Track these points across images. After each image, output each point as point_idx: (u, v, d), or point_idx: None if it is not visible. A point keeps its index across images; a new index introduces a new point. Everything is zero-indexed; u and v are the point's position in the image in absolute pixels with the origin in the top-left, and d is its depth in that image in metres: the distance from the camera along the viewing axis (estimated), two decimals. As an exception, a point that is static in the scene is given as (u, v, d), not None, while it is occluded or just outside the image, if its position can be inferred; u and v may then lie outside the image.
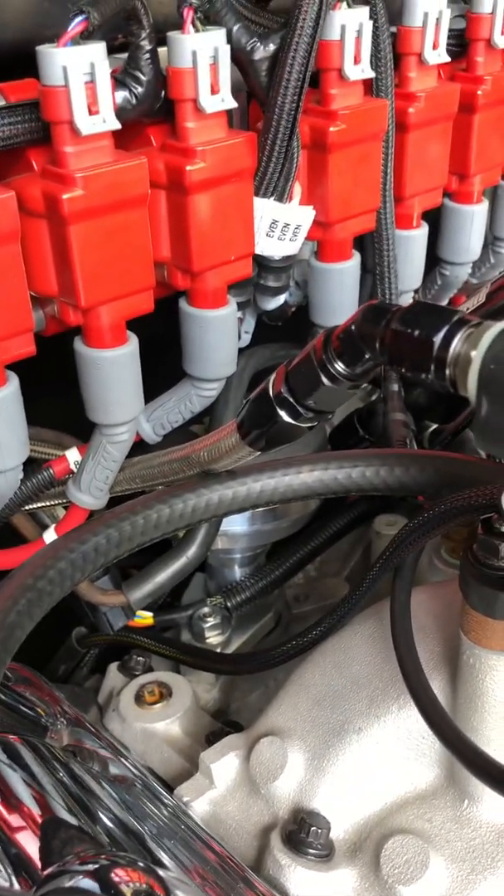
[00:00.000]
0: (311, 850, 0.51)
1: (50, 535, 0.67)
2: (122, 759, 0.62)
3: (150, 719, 0.67)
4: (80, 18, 0.49)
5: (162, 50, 0.58)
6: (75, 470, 0.68)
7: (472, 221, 0.82)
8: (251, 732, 0.59)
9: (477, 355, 0.35)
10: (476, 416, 0.35)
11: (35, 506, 0.71)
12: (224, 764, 0.57)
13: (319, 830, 0.52)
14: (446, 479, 0.52)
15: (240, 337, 0.74)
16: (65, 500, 0.70)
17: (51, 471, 0.67)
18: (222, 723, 0.69)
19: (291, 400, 0.45)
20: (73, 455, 0.68)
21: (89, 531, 0.49)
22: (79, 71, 0.49)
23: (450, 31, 0.72)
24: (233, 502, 0.54)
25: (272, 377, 0.47)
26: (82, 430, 0.66)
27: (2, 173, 0.55)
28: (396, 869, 0.50)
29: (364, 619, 0.59)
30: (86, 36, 0.50)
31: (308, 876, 0.51)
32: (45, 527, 0.73)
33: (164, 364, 0.67)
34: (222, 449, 0.52)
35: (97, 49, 0.50)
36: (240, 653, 0.78)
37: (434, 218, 0.82)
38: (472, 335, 0.36)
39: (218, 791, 0.57)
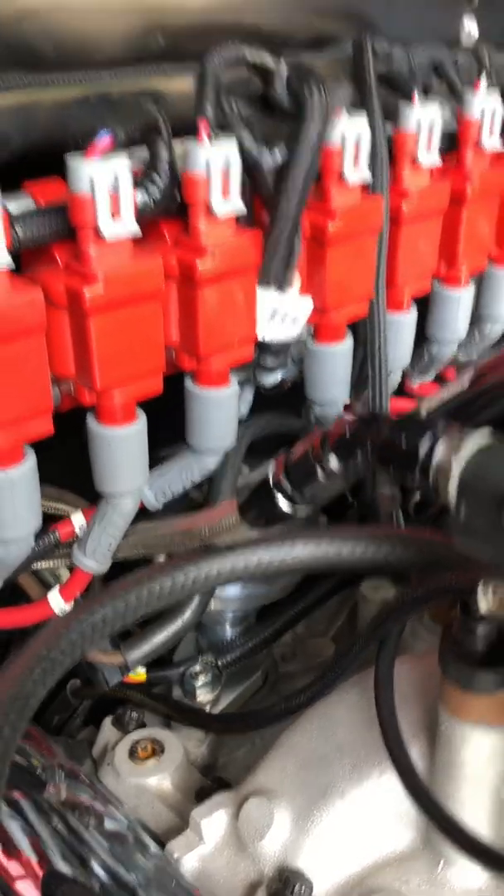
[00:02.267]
0: (292, 908, 0.55)
1: (54, 597, 0.71)
2: (116, 813, 0.66)
3: (143, 774, 0.71)
4: (107, 135, 0.54)
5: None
6: (79, 534, 0.72)
7: (458, 304, 0.87)
8: (240, 791, 0.63)
9: (457, 465, 0.39)
10: (455, 521, 0.39)
11: (41, 566, 0.75)
12: (213, 821, 0.61)
13: (303, 889, 0.55)
14: (429, 558, 0.56)
15: (239, 409, 0.79)
16: (68, 561, 0.74)
17: (56, 534, 0.71)
18: (211, 779, 0.73)
19: (290, 490, 0.49)
20: (77, 519, 0.72)
21: (98, 603, 0.53)
22: (104, 182, 0.54)
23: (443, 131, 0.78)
24: (231, 574, 0.58)
25: (273, 466, 0.51)
26: (82, 485, 0.70)
27: (28, 263, 0.59)
28: (375, 927, 0.53)
29: (349, 687, 0.63)
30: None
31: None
32: (47, 586, 0.77)
33: (164, 429, 0.71)
34: (223, 526, 0.56)
35: (121, 163, 0.55)
36: (230, 713, 0.81)
37: (424, 297, 0.88)
38: (452, 445, 0.40)
39: (207, 847, 0.61)
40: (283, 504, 0.49)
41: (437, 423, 0.41)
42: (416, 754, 0.55)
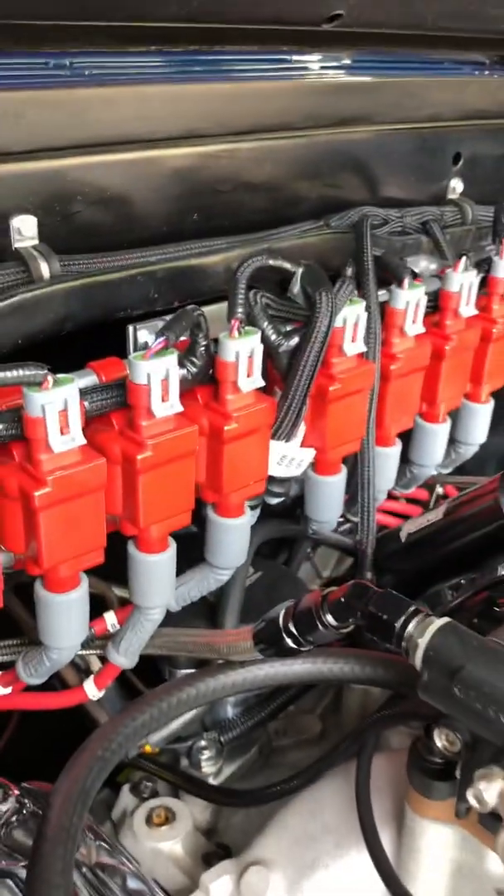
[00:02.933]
0: None
1: (90, 686, 0.85)
2: (136, 873, 0.79)
3: (158, 839, 0.84)
4: (161, 339, 0.69)
5: (207, 310, 0.79)
6: (111, 630, 0.86)
7: (437, 437, 1.03)
8: (242, 859, 0.76)
9: (423, 642, 0.54)
10: (420, 681, 0.54)
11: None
12: (220, 884, 0.74)
13: (292, 945, 0.69)
14: (404, 681, 0.70)
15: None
16: (99, 652, 0.88)
17: (92, 631, 0.85)
18: (215, 844, 0.86)
19: (295, 633, 0.63)
20: (110, 618, 0.87)
21: (138, 711, 0.67)
22: (158, 376, 0.69)
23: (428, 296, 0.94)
24: (244, 684, 0.72)
25: (283, 611, 0.66)
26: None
27: (88, 426, 0.74)
28: None
29: (334, 776, 0.77)
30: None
31: None
32: (79, 669, 0.91)
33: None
34: (239, 649, 0.70)
35: (171, 360, 0.70)
36: (233, 788, 0.95)
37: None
38: (420, 625, 0.55)
39: (213, 908, 0.74)
40: (290, 643, 0.63)
41: (410, 606, 0.56)
42: (388, 838, 0.68)
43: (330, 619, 0.60)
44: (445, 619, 0.55)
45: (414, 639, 0.54)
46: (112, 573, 0.81)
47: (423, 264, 1.06)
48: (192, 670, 0.83)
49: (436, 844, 0.65)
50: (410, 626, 0.55)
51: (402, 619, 0.55)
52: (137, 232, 0.87)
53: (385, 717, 0.66)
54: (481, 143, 1.20)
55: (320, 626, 0.61)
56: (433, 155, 1.15)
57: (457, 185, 1.18)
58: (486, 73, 1.24)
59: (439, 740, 0.55)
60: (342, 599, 0.59)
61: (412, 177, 1.14)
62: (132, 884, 0.78)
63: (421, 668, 0.54)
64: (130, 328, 0.81)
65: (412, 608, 0.56)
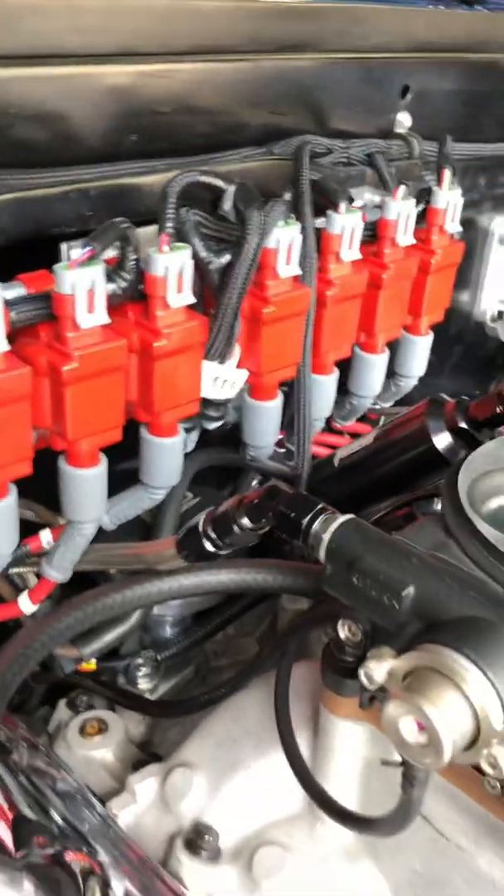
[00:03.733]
0: (203, 852, 0.71)
1: (24, 600, 0.86)
2: (68, 777, 0.81)
3: (90, 748, 0.87)
4: (87, 249, 0.70)
5: (142, 231, 0.79)
6: (46, 547, 0.87)
7: (374, 367, 1.04)
8: (167, 763, 0.79)
9: (326, 536, 0.56)
10: (324, 575, 0.56)
11: (11, 571, 0.90)
12: (145, 786, 0.77)
13: (210, 839, 0.72)
14: (316, 587, 0.72)
15: (186, 446, 0.94)
16: (35, 569, 0.89)
17: (27, 548, 0.86)
18: (146, 754, 0.89)
19: (214, 537, 0.65)
20: (45, 536, 0.88)
21: (63, 614, 0.68)
22: (83, 287, 0.69)
23: (366, 224, 0.95)
24: (168, 594, 0.74)
25: (203, 516, 0.67)
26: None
27: (16, 339, 0.74)
28: (262, 869, 0.70)
29: (257, 685, 0.79)
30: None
31: (199, 870, 0.71)
32: (16, 587, 0.93)
33: (120, 461, 0.86)
34: (164, 557, 0.72)
35: (97, 270, 0.70)
36: (164, 700, 0.97)
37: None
38: (325, 522, 0.57)
39: (139, 806, 0.77)
40: (209, 547, 0.65)
41: (317, 504, 0.58)
42: (304, 740, 0.71)
43: (245, 521, 0.62)
44: (349, 516, 0.57)
45: (319, 534, 0.56)
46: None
47: (367, 196, 1.06)
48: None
49: (348, 742, 0.68)
50: (316, 524, 0.57)
51: (309, 516, 0.57)
52: (74, 150, 0.87)
53: (302, 622, 0.69)
54: (431, 77, 1.20)
55: (236, 528, 0.62)
56: (380, 87, 1.15)
57: (404, 120, 1.18)
58: (439, 5, 1.23)
59: (342, 631, 0.57)
60: (256, 501, 0.61)
61: (358, 108, 1.13)
62: (63, 787, 0.80)
63: (325, 562, 0.56)
64: (63, 245, 0.81)
65: (319, 506, 0.58)
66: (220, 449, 1.03)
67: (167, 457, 0.85)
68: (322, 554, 0.56)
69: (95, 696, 0.96)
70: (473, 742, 0.47)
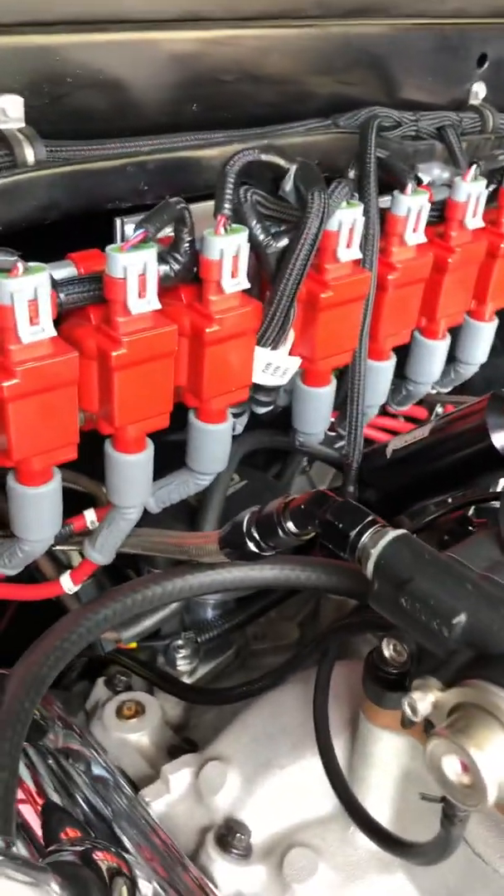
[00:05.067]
0: (234, 850, 0.70)
1: (66, 580, 0.86)
2: (101, 760, 0.81)
3: (126, 730, 0.86)
4: (140, 231, 0.67)
5: (199, 206, 0.76)
6: (90, 527, 0.86)
7: (435, 353, 1.00)
8: (203, 754, 0.78)
9: (374, 552, 0.53)
10: (371, 590, 0.53)
11: (55, 548, 0.89)
12: (179, 777, 0.76)
13: (242, 836, 0.71)
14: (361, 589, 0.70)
15: (234, 429, 0.92)
16: (79, 548, 0.88)
17: (71, 527, 0.86)
18: (182, 739, 0.88)
19: (257, 537, 0.63)
20: (89, 515, 0.87)
21: (101, 605, 0.67)
22: (135, 270, 0.67)
23: (433, 204, 0.90)
24: (210, 587, 0.72)
25: (248, 515, 0.65)
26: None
27: (67, 316, 0.72)
28: (293, 871, 0.69)
29: (296, 682, 0.78)
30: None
31: (230, 869, 0.70)
32: (60, 565, 0.92)
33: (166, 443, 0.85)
34: (206, 551, 0.70)
35: (150, 254, 0.67)
36: (203, 686, 0.97)
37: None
38: (375, 535, 0.54)
39: (172, 796, 0.76)
40: (252, 547, 0.63)
41: (367, 516, 0.55)
42: (339, 745, 0.70)
43: (290, 525, 0.60)
44: (400, 531, 0.54)
45: (367, 549, 0.54)
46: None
47: (436, 172, 1.01)
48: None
49: (386, 752, 0.66)
50: (365, 536, 0.54)
51: (358, 528, 0.54)
52: (132, 120, 0.84)
53: (346, 626, 0.67)
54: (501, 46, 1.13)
55: (280, 532, 0.60)
56: (456, 55, 1.08)
57: (479, 90, 1.12)
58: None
59: (387, 650, 0.55)
60: (302, 507, 0.59)
61: (431, 78, 1.07)
62: (96, 770, 0.80)
63: (372, 578, 0.53)
64: (118, 221, 0.79)
65: (368, 518, 0.55)
66: (269, 432, 1.01)
67: (215, 443, 0.83)
68: (370, 570, 0.53)
69: (134, 677, 0.96)
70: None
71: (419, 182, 0.87)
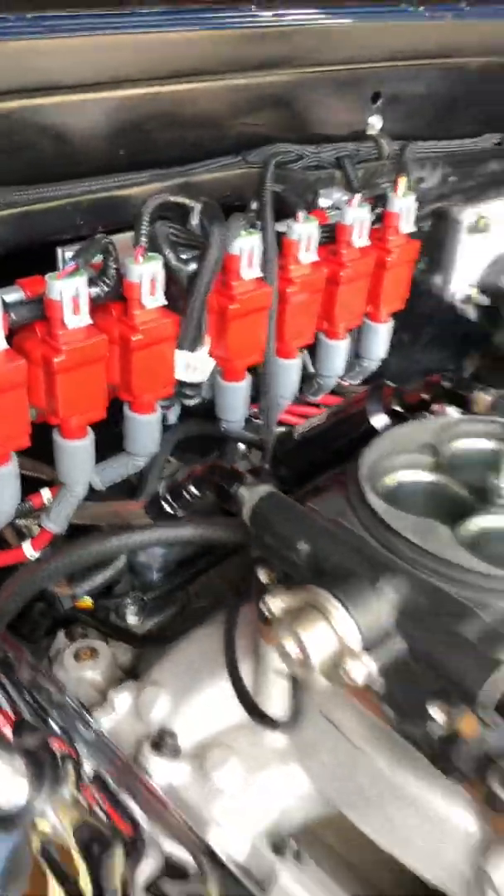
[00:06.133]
0: (165, 752, 0.89)
1: (27, 547, 1.03)
2: (63, 693, 0.99)
3: (83, 670, 1.04)
4: (72, 263, 0.85)
5: (125, 236, 0.94)
6: (47, 503, 1.04)
7: (336, 351, 1.19)
8: (142, 682, 0.96)
9: (249, 504, 0.72)
10: (250, 534, 0.72)
11: (18, 522, 1.07)
12: (122, 698, 0.95)
13: (172, 741, 0.89)
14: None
15: (167, 420, 1.10)
16: (38, 521, 1.06)
17: (30, 503, 1.03)
18: (131, 678, 1.06)
19: (171, 501, 0.81)
20: (45, 493, 1.05)
21: (54, 559, 0.85)
22: (69, 294, 0.85)
23: (327, 226, 1.09)
24: (141, 543, 0.91)
25: (162, 485, 0.83)
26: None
27: (17, 332, 0.90)
28: (211, 764, 0.87)
29: (213, 620, 0.96)
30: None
31: (162, 765, 0.88)
32: (22, 535, 1.10)
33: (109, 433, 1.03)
34: (135, 515, 0.89)
35: (81, 281, 0.85)
36: (145, 633, 1.15)
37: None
38: (250, 492, 0.73)
39: (117, 715, 0.94)
40: (168, 509, 0.81)
41: (245, 478, 0.73)
42: (248, 667, 0.88)
43: (192, 489, 0.78)
44: (269, 488, 0.72)
45: (244, 502, 0.72)
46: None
47: (336, 196, 1.19)
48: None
49: (276, 661, 0.84)
50: (244, 493, 0.72)
51: (237, 487, 0.72)
52: (72, 166, 1.02)
53: (242, 566, 0.85)
54: (400, 83, 1.31)
55: (186, 495, 0.78)
56: (351, 94, 1.27)
57: (375, 122, 1.30)
58: (407, 15, 1.34)
59: (263, 577, 0.73)
60: (199, 475, 0.77)
61: (331, 115, 1.26)
62: (57, 698, 0.98)
63: (249, 524, 0.71)
64: (59, 251, 0.97)
65: (246, 480, 0.73)
66: (199, 421, 1.19)
67: (146, 430, 1.01)
68: (247, 517, 0.71)
69: (90, 630, 1.14)
70: (337, 660, 0.62)
71: (310, 209, 1.05)
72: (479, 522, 0.73)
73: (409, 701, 0.63)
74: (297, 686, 0.70)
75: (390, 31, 1.32)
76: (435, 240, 1.46)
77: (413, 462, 0.80)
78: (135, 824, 0.74)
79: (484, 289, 1.51)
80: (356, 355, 1.26)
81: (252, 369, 1.10)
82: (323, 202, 1.19)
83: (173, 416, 1.15)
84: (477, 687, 0.57)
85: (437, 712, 0.61)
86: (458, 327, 1.60)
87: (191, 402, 1.11)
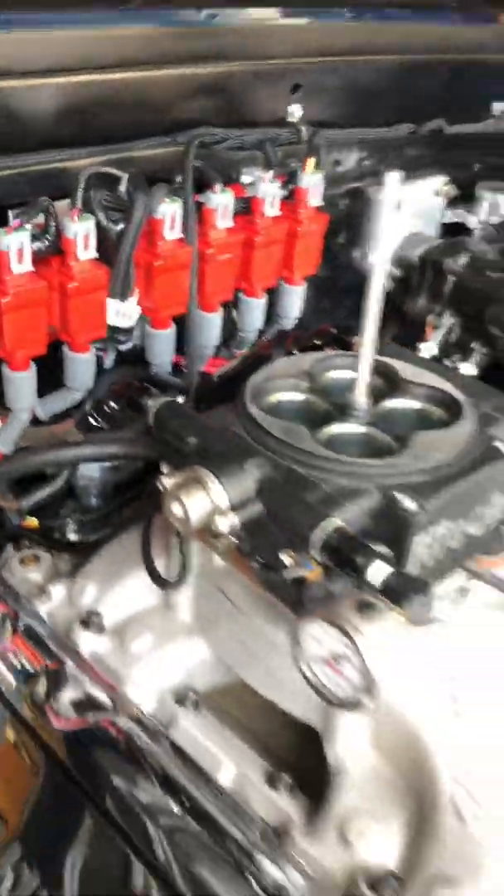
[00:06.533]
0: (92, 627, 1.07)
1: (-20, 466, 1.21)
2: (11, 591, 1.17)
3: (27, 573, 1.22)
4: (16, 220, 1.03)
5: (65, 202, 1.12)
6: (-2, 430, 1.22)
7: (254, 308, 1.37)
8: (74, 578, 1.15)
9: (152, 410, 0.90)
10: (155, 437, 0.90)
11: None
12: (57, 589, 1.13)
13: (97, 620, 1.07)
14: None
15: (104, 364, 1.29)
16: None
17: (-16, 430, 1.21)
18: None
19: (96, 416, 1.00)
20: (-4, 422, 1.23)
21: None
22: (15, 245, 1.03)
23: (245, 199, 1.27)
24: (75, 458, 1.09)
25: (88, 404, 1.01)
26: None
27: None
28: (129, 636, 1.06)
29: (135, 527, 1.14)
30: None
31: (89, 638, 1.06)
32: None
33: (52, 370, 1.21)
34: (70, 434, 1.07)
35: (25, 235, 1.03)
36: (80, 544, 1.32)
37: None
38: (154, 401, 0.91)
39: (53, 603, 1.12)
40: (94, 423, 0.99)
41: (153, 393, 0.91)
42: (163, 562, 1.06)
43: (112, 404, 0.96)
44: (167, 398, 0.91)
45: (149, 410, 0.90)
46: None
47: (256, 174, 1.38)
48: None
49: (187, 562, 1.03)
50: (148, 401, 0.91)
51: (145, 400, 0.91)
52: (23, 141, 1.19)
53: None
54: (320, 76, 1.50)
55: (106, 409, 0.96)
56: (274, 85, 1.45)
57: (296, 111, 1.48)
58: (330, 15, 1.53)
59: (164, 469, 0.91)
60: (117, 392, 0.95)
61: (256, 103, 1.44)
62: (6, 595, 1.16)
63: (153, 426, 0.90)
64: (10, 213, 1.14)
65: (152, 394, 0.91)
66: (132, 367, 1.37)
67: (82, 367, 1.19)
68: (151, 421, 0.90)
69: (36, 546, 1.31)
70: (210, 518, 0.81)
71: (227, 183, 1.24)
72: (334, 429, 0.91)
73: (267, 553, 0.81)
74: (181, 542, 0.89)
75: (312, 30, 1.51)
76: (353, 217, 1.65)
77: (291, 385, 0.99)
78: (61, 662, 0.93)
79: (397, 262, 1.70)
80: (275, 314, 1.45)
81: (179, 322, 1.29)
82: (245, 178, 1.37)
83: (109, 360, 1.33)
84: (308, 531, 0.76)
85: (286, 558, 0.79)
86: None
87: (123, 347, 1.29)
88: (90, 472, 1.34)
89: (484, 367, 1.63)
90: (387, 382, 1.00)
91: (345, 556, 0.75)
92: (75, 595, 1.12)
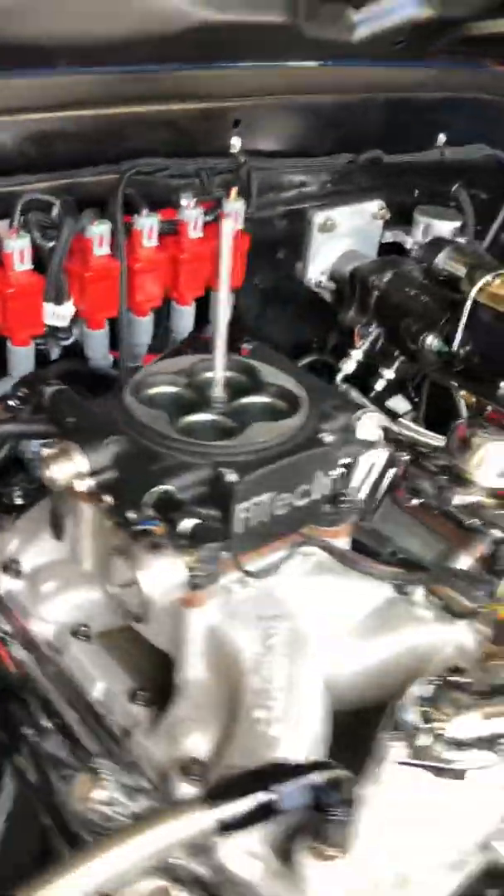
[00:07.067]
0: (10, 572, 1.30)
1: None
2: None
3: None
4: (-38, 236, 1.27)
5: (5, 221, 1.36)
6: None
7: (184, 314, 1.60)
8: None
9: (47, 397, 1.13)
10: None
11: None
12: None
13: (15, 565, 1.31)
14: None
15: (50, 356, 1.52)
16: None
17: None
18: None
19: (16, 402, 1.23)
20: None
21: None
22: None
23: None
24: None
25: (10, 391, 1.25)
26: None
27: None
28: (43, 576, 1.29)
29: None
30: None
31: (9, 582, 1.30)
32: None
33: None
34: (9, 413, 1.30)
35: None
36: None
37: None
38: (48, 391, 1.14)
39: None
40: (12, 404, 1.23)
41: (51, 381, 1.15)
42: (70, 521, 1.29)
43: (24, 391, 1.20)
44: (60, 386, 1.14)
45: (45, 395, 1.14)
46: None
47: (193, 200, 1.60)
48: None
49: (84, 522, 1.25)
50: (45, 388, 1.14)
51: (44, 388, 1.14)
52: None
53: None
54: (257, 113, 1.71)
55: (21, 393, 1.20)
56: (216, 120, 1.67)
57: (236, 143, 1.70)
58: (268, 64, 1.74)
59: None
60: (23, 381, 1.19)
61: (198, 136, 1.66)
62: None
63: (46, 409, 1.13)
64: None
65: (52, 382, 1.15)
66: (73, 359, 1.60)
67: (22, 360, 1.43)
68: (46, 403, 1.13)
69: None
70: (74, 479, 1.04)
71: (153, 210, 1.46)
72: (192, 418, 1.14)
73: (120, 510, 1.04)
74: (56, 502, 1.13)
75: (252, 75, 1.72)
76: (294, 236, 1.86)
77: (170, 381, 1.21)
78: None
79: (333, 276, 1.90)
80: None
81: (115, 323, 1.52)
82: (183, 203, 1.59)
83: (55, 354, 1.57)
84: (143, 493, 0.99)
85: (132, 515, 1.02)
86: (319, 306, 2.00)
87: (64, 343, 1.53)
88: (36, 448, 1.57)
89: (403, 372, 1.84)
90: (249, 380, 1.22)
91: (165, 513, 0.97)
92: (2, 545, 1.36)
